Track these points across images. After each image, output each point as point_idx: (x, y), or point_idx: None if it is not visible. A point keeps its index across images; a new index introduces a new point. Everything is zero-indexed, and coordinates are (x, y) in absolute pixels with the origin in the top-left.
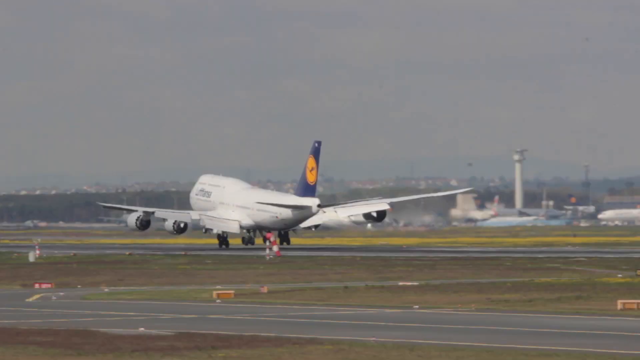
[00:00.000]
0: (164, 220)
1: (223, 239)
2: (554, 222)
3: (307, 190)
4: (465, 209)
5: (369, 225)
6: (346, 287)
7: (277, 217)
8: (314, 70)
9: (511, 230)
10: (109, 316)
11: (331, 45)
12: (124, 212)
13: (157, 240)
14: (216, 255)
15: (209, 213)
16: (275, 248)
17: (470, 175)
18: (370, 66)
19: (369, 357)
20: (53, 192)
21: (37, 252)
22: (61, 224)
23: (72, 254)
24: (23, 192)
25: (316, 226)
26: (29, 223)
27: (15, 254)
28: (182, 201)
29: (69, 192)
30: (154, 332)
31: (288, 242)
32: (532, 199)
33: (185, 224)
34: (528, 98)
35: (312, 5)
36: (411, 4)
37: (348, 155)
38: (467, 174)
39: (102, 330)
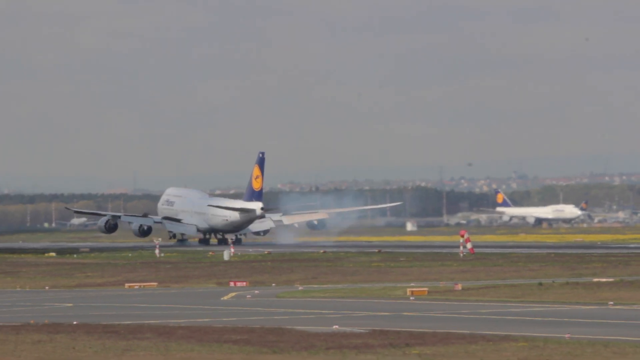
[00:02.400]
0: (130, 223)
1: (182, 240)
2: None
3: (253, 195)
4: None
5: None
6: (540, 284)
7: (227, 219)
8: (507, 67)
9: None
10: (303, 314)
11: (524, 41)
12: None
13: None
14: (410, 253)
15: (174, 217)
16: (469, 245)
17: None
18: (564, 61)
19: (564, 353)
20: None
21: (232, 250)
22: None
23: (266, 252)
24: (217, 192)
25: (265, 231)
26: None
27: (210, 253)
28: (375, 197)
29: (263, 191)
30: (348, 329)
31: (240, 242)
32: None
33: (150, 227)
34: None
35: (504, 1)
36: None
37: (542, 152)
38: None
39: (296, 328)
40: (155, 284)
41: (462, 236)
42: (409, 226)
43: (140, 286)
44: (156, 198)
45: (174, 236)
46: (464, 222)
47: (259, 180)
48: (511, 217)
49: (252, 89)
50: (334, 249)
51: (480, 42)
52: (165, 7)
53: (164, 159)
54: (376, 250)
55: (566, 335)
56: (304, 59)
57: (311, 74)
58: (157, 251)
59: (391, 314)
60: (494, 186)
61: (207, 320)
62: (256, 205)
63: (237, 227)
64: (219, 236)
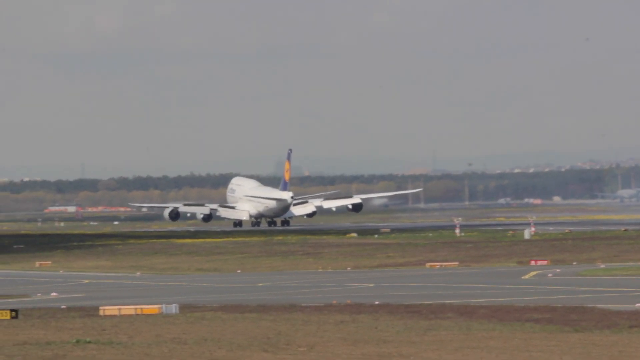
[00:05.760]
0: (188, 213)
1: (237, 224)
2: None
3: (285, 186)
4: None
5: None
6: None
7: (267, 206)
8: None
9: None
10: (605, 292)
11: None
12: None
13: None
14: None
15: (228, 205)
16: None
17: None
18: None
19: None
20: (546, 169)
21: (532, 229)
22: (556, 200)
23: (566, 231)
24: (517, 170)
25: (309, 215)
26: (502, 200)
27: (511, 232)
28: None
29: (562, 169)
30: None
31: (288, 224)
32: None
33: (209, 215)
34: None
35: None
36: None
37: None
38: None
39: (598, 306)
40: (456, 263)
41: None
42: None
43: (441, 266)
44: (456, 178)
45: (239, 223)
46: None
47: (288, 173)
48: None
49: (552, 66)
50: (637, 227)
51: None
52: None
53: (464, 138)
54: None
55: None
56: (601, 33)
57: (605, 50)
58: (457, 231)
59: None
60: None
61: (508, 299)
62: (287, 195)
63: (276, 213)
64: (268, 220)
